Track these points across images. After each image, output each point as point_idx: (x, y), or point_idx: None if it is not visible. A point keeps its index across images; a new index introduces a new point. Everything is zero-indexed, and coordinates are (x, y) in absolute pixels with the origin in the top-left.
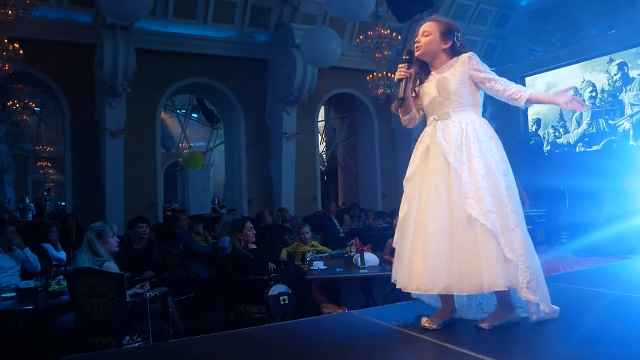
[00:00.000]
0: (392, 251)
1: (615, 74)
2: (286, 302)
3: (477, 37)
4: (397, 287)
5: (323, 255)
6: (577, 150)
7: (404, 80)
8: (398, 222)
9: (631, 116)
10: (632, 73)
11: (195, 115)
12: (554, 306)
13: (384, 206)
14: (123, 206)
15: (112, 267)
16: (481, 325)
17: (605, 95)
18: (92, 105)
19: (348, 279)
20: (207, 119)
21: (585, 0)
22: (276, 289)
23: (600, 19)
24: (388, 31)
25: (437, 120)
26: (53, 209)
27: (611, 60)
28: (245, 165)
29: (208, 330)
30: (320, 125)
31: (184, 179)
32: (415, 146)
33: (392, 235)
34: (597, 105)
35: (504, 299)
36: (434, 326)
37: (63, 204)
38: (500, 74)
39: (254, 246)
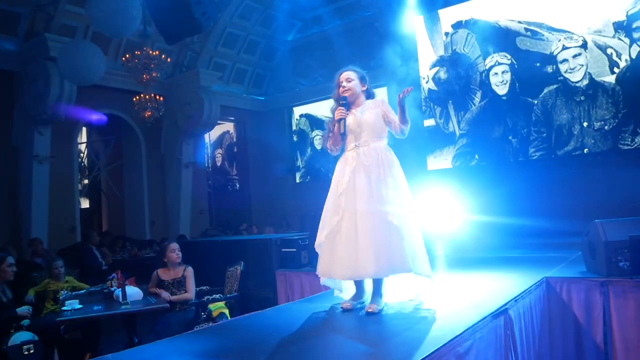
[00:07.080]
0: (161, 282)
1: None
2: (31, 351)
3: (247, 66)
4: (337, 278)
5: (79, 292)
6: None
7: (343, 119)
8: (329, 227)
9: None
10: None
11: None
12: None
13: (152, 234)
14: None
15: None
16: (369, 310)
17: None
18: None
19: (107, 317)
20: None
21: (341, 41)
22: (18, 337)
23: (355, 59)
24: (157, 52)
25: (358, 147)
26: None
27: None
28: None
29: None
30: (82, 148)
31: None
32: (340, 166)
33: (161, 266)
34: None
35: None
36: (351, 307)
37: None
38: (269, 103)
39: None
